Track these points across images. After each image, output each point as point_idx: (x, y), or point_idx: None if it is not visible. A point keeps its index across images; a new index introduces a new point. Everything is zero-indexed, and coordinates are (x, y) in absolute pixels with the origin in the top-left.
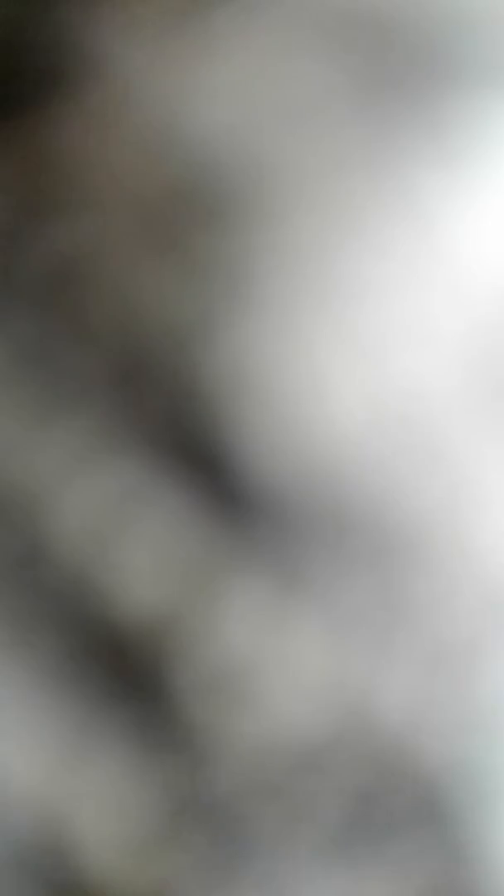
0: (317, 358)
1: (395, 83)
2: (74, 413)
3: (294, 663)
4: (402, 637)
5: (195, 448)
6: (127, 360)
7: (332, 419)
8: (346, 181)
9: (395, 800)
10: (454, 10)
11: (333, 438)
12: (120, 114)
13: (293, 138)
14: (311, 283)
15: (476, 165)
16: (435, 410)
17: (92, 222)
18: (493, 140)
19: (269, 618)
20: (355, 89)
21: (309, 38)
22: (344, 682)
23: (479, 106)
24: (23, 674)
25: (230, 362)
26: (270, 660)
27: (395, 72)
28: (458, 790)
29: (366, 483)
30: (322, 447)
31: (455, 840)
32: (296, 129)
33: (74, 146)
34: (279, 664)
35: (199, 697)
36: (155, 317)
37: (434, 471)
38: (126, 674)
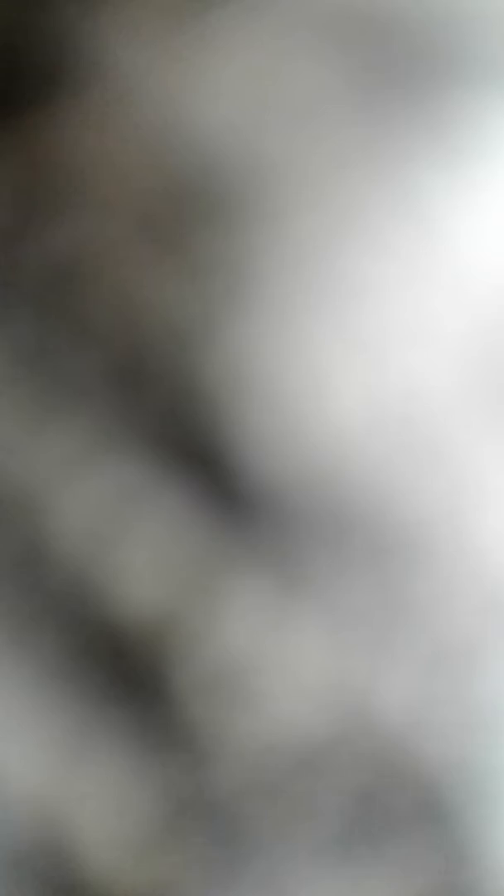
0: (317, 358)
1: (395, 83)
2: (74, 413)
3: (294, 663)
4: (402, 637)
5: (195, 448)
6: (127, 361)
7: (332, 419)
8: (347, 181)
9: (395, 800)
10: (455, 9)
11: (333, 438)
12: (120, 113)
13: (293, 138)
14: (311, 283)
15: (477, 165)
16: (435, 410)
17: (92, 222)
18: (495, 139)
19: (269, 618)
20: (355, 89)
21: (309, 38)
22: (344, 682)
23: (480, 105)
24: (23, 674)
25: (230, 362)
26: (270, 660)
27: (395, 71)
28: (459, 790)
29: (366, 483)
30: (322, 447)
31: (455, 840)
32: (296, 129)
33: (75, 146)
34: (279, 664)
35: (200, 697)
36: (155, 317)
37: (434, 471)
38: (126, 674)
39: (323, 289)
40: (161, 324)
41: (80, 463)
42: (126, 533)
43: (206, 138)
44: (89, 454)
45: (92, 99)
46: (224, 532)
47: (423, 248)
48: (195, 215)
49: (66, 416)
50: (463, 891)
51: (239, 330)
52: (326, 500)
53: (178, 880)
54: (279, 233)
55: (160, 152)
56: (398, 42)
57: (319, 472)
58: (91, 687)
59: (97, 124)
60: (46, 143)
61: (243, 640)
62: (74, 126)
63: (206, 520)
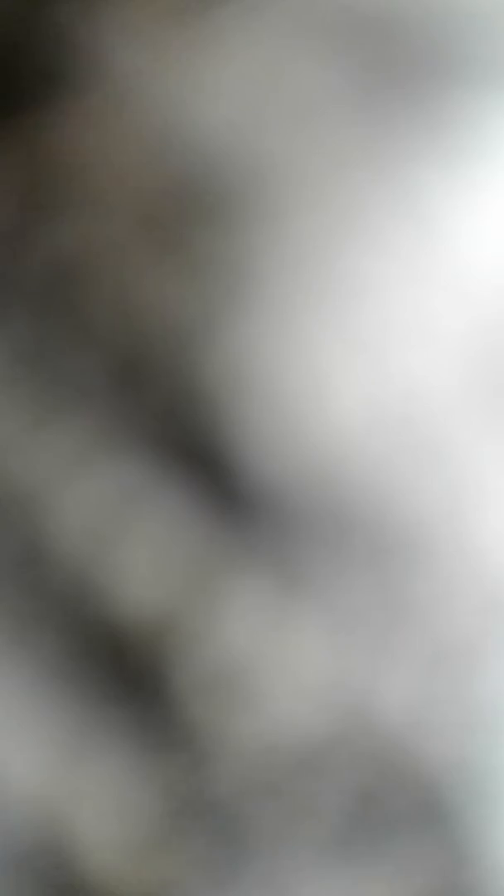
0: (317, 358)
1: (396, 83)
2: (74, 413)
3: (294, 663)
4: (402, 637)
5: (195, 448)
6: (127, 361)
7: (332, 419)
8: (347, 181)
9: (395, 800)
10: (455, 9)
11: (333, 438)
12: (120, 114)
13: (294, 138)
14: (311, 282)
15: (477, 165)
16: (435, 410)
17: (92, 222)
18: (494, 139)
19: (269, 618)
20: (356, 89)
21: (309, 38)
22: (344, 682)
23: (480, 105)
24: (23, 674)
25: (230, 362)
26: (270, 660)
27: (395, 71)
28: (459, 790)
29: (366, 483)
30: (322, 447)
31: (455, 840)
32: (296, 129)
33: (75, 146)
34: (279, 664)
35: (199, 697)
36: (155, 317)
37: (434, 470)
38: (126, 674)
39: (323, 289)
40: (161, 324)
41: (80, 463)
42: (126, 533)
43: (206, 138)
44: (89, 454)
45: (92, 99)
46: (224, 532)
47: (423, 248)
48: (195, 215)
49: (66, 416)
50: (463, 891)
51: (239, 330)
52: (326, 500)
53: (178, 880)
54: (279, 233)
55: (160, 152)
56: (398, 42)
57: (319, 472)
58: (91, 687)
59: (97, 124)
60: (46, 143)
61: (243, 640)
62: (74, 126)
63: (206, 520)
